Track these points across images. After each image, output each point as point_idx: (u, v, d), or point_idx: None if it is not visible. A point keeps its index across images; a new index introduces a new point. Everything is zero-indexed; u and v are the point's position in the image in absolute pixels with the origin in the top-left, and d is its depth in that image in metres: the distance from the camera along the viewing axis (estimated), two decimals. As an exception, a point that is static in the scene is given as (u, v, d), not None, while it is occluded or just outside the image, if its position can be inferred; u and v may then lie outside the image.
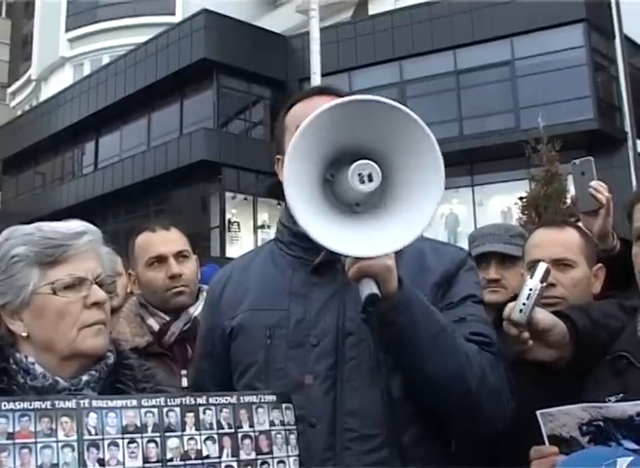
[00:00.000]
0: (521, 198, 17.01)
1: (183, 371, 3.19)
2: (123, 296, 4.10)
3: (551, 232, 2.96)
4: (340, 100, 1.85)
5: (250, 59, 27.66)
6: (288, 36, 29.27)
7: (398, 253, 2.25)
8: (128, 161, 30.85)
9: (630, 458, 1.77)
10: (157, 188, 28.91)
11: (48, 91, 40.69)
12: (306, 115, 2.26)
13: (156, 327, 3.29)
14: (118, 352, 2.10)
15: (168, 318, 3.30)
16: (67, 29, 40.03)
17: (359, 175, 1.82)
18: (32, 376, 1.92)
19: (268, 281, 2.33)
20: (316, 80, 15.17)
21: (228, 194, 27.44)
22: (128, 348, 3.02)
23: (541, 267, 2.24)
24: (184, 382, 3.16)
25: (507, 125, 23.61)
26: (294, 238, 2.31)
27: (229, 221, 27.43)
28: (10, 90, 48.81)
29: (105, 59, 36.37)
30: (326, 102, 2.31)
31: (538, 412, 2.00)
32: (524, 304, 2.15)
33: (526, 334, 2.19)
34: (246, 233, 27.75)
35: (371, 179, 1.83)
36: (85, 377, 1.95)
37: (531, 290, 2.17)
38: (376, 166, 1.83)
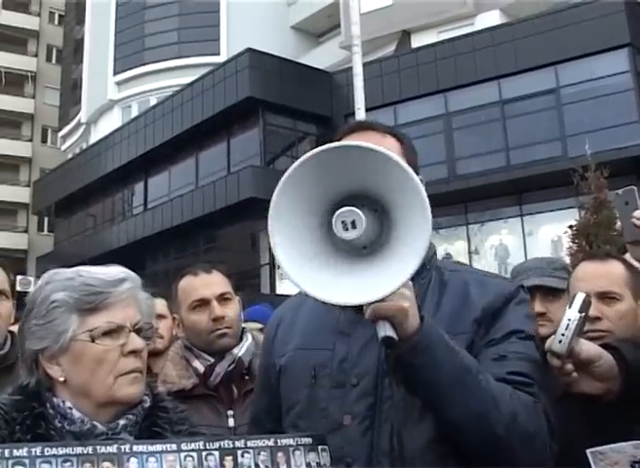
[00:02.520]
0: (571, 226, 16.83)
1: (230, 412, 3.23)
2: (169, 338, 4.14)
3: (595, 265, 2.93)
4: (312, 152, 1.83)
5: (295, 96, 27.85)
6: (332, 72, 29.45)
7: (442, 287, 2.23)
8: (177, 200, 31.13)
9: None
10: (206, 227, 29.11)
11: (97, 134, 41.32)
12: None
13: (201, 368, 3.31)
14: (153, 395, 2.10)
15: (212, 360, 3.32)
16: (115, 73, 40.73)
17: (342, 222, 1.80)
18: (70, 421, 1.93)
19: (317, 320, 2.33)
20: (360, 115, 15.18)
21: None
22: (174, 390, 3.07)
23: (579, 297, 2.20)
24: (231, 422, 3.21)
25: (554, 153, 23.40)
26: None
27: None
28: (61, 134, 49.68)
29: (153, 101, 36.86)
30: (364, 139, 2.28)
31: (588, 451, 1.96)
32: (563, 335, 2.12)
33: (569, 366, 2.15)
34: (296, 269, 27.72)
35: (354, 226, 1.80)
36: (122, 422, 1.96)
37: (569, 320, 2.13)
38: (359, 213, 1.79)
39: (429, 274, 2.27)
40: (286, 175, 1.85)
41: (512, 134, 24.55)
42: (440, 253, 2.67)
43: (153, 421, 2.02)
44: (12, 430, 1.87)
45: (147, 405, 2.04)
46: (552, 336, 2.14)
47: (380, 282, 1.82)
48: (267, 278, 27.35)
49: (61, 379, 1.97)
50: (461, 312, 2.15)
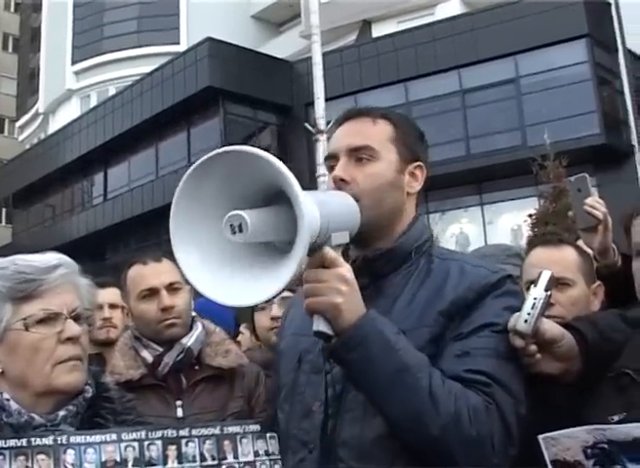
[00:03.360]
0: (530, 215, 16.99)
1: (178, 402, 3.19)
2: (123, 328, 4.08)
3: (548, 251, 2.94)
4: (195, 166, 1.86)
5: (255, 86, 27.75)
6: (292, 61, 29.38)
7: (425, 277, 2.19)
8: (137, 190, 30.99)
9: None
10: (167, 217, 28.49)
11: (55, 124, 40.95)
12: (330, 145, 2.33)
13: (150, 358, 3.26)
14: (98, 384, 2.06)
15: (161, 349, 3.27)
16: (73, 62, 40.32)
17: (231, 225, 1.79)
18: (7, 413, 1.89)
19: None
20: (320, 105, 15.21)
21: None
22: (122, 381, 3.02)
23: (545, 275, 2.15)
24: (179, 413, 3.16)
25: (514, 143, 23.57)
26: None
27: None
28: (18, 124, 49.17)
29: (112, 91, 36.59)
30: (349, 127, 2.30)
31: (539, 437, 1.93)
32: (529, 314, 2.04)
33: (533, 347, 2.08)
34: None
35: (241, 230, 1.79)
36: (62, 413, 1.92)
37: (535, 299, 2.07)
38: (245, 216, 1.78)
39: (417, 262, 2.24)
40: (176, 194, 1.90)
41: (472, 123, 24.69)
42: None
43: (96, 412, 1.99)
44: None
45: (89, 395, 2.01)
46: (516, 315, 2.06)
47: (271, 283, 1.82)
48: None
49: None
50: (432, 304, 2.10)
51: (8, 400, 1.90)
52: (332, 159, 2.26)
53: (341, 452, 2.05)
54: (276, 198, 1.88)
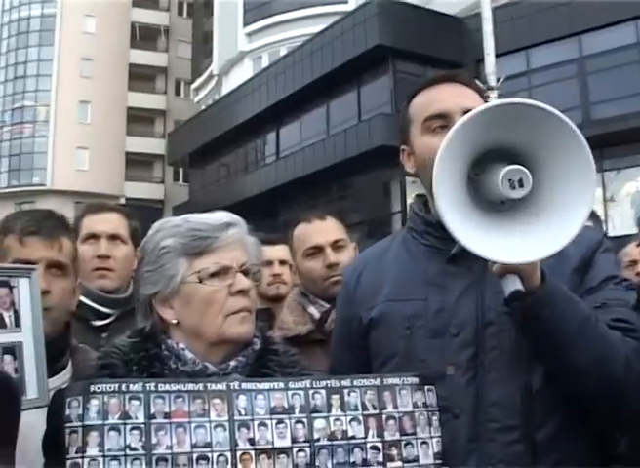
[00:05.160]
0: None
1: None
2: (291, 285, 4.20)
3: None
4: (492, 104, 1.83)
5: (424, 43, 27.46)
6: (462, 17, 28.86)
7: None
8: (308, 149, 31.38)
9: None
10: (338, 175, 29.22)
11: (229, 85, 41.93)
12: (432, 104, 2.27)
13: (317, 315, 3.36)
14: (264, 338, 2.16)
15: (328, 306, 3.33)
16: (245, 24, 41.11)
17: (510, 180, 1.80)
18: (183, 362, 2.01)
19: (403, 271, 2.35)
20: (490, 60, 14.97)
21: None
22: (290, 336, 3.12)
23: None
24: None
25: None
26: (427, 227, 2.33)
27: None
28: (193, 86, 50.71)
29: (283, 51, 37.12)
30: (452, 89, 2.30)
31: None
32: None
33: None
34: (426, 217, 27.60)
35: (521, 185, 1.80)
36: (233, 363, 2.02)
37: None
38: (527, 171, 1.80)
39: None
40: (459, 123, 1.84)
41: (651, 76, 23.61)
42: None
43: (263, 363, 2.08)
44: (129, 370, 1.97)
45: (257, 347, 2.10)
46: None
47: (544, 241, 1.86)
48: (399, 226, 27.24)
49: (174, 321, 2.06)
50: (559, 266, 2.12)
51: (183, 349, 2.02)
52: (443, 118, 2.25)
53: (494, 413, 2.09)
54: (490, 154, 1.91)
